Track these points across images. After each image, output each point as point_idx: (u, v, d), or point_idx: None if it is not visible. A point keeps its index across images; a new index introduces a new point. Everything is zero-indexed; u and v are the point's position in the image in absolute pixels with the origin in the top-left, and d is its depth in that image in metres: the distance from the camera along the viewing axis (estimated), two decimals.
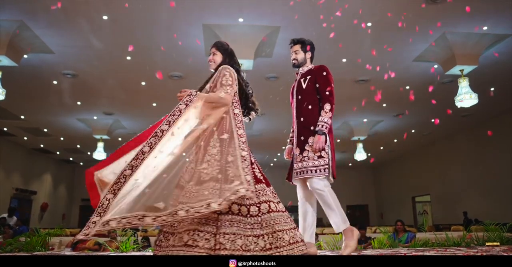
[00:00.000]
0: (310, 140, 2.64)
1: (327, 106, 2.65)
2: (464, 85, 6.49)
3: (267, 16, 5.53)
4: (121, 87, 7.81)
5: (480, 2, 5.22)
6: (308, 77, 2.79)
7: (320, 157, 2.59)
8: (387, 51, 6.50)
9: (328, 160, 2.59)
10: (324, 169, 2.56)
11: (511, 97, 8.53)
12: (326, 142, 2.62)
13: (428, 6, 5.28)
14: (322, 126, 2.61)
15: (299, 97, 2.79)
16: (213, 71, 2.59)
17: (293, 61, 2.91)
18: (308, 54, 2.91)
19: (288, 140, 2.99)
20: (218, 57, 2.62)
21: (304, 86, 2.79)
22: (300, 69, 2.90)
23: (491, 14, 5.50)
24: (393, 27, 5.65)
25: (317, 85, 2.73)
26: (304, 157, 2.63)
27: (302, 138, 2.69)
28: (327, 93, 2.68)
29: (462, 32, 5.99)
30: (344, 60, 6.79)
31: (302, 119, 2.73)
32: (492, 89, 7.96)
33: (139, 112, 9.50)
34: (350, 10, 5.31)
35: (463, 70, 6.42)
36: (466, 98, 6.43)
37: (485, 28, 5.84)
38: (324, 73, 2.74)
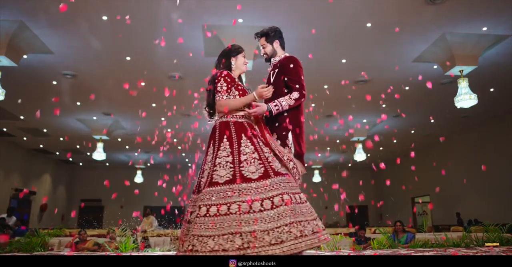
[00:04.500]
0: (274, 136, 2.50)
1: (294, 94, 2.48)
2: (463, 85, 6.49)
3: (267, 16, 5.53)
4: (120, 88, 7.79)
5: (480, 2, 5.23)
6: (276, 70, 2.62)
7: None
8: (386, 51, 6.51)
9: (292, 156, 2.46)
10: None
11: (511, 98, 8.54)
12: (287, 137, 2.47)
13: (427, 6, 5.28)
14: (276, 105, 2.44)
15: None
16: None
17: (264, 56, 2.79)
18: (276, 43, 2.73)
19: None
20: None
21: (272, 79, 2.62)
22: (272, 60, 2.75)
23: (490, 15, 5.50)
24: (392, 28, 5.65)
25: (285, 79, 2.54)
26: None
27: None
28: (297, 86, 2.49)
29: (462, 33, 5.99)
30: (343, 60, 6.79)
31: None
32: (492, 89, 7.96)
33: (138, 113, 9.49)
34: (349, 10, 5.32)
35: (462, 70, 6.43)
36: (465, 98, 6.43)
37: (484, 28, 5.84)
38: (292, 65, 2.54)
